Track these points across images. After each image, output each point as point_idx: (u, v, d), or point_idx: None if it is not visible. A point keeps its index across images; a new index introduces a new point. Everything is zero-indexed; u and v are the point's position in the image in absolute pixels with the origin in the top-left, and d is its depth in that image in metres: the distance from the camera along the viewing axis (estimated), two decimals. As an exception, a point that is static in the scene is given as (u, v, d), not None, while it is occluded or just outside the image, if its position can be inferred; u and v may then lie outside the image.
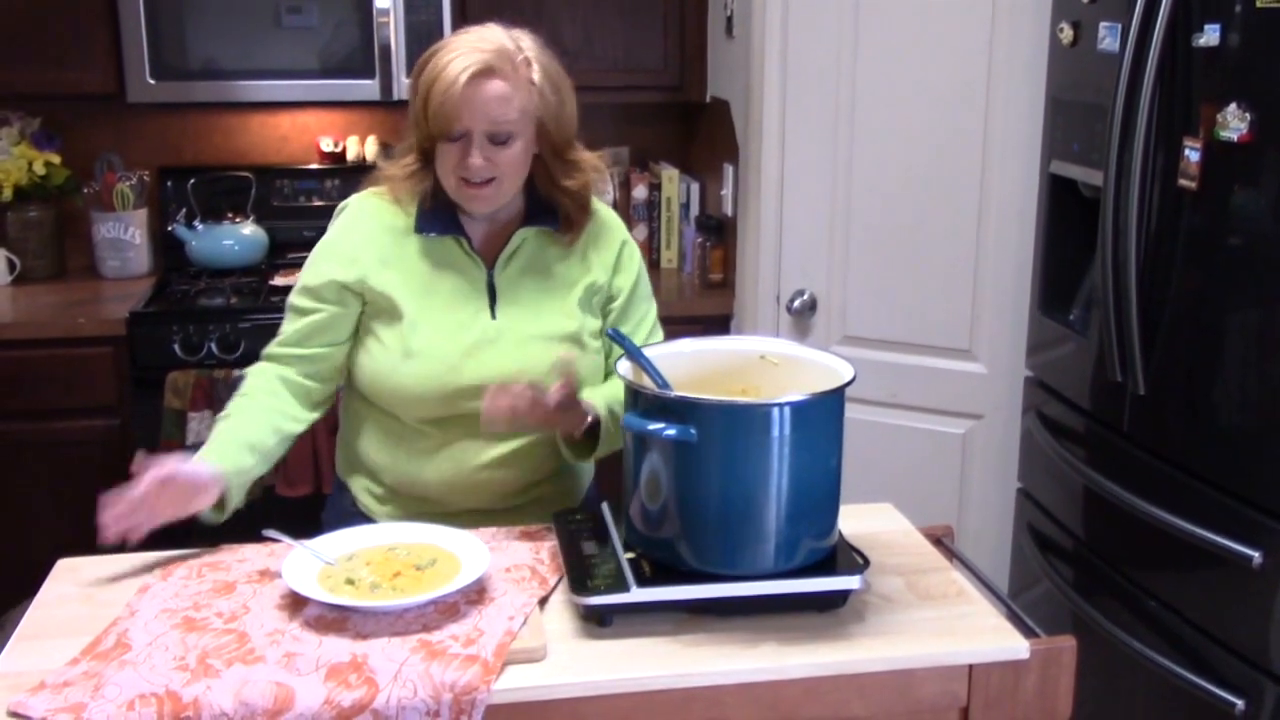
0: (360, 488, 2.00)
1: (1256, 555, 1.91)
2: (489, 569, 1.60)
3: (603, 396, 1.86)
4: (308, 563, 1.61)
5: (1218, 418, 2.02)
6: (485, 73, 1.77)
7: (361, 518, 1.96)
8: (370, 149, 3.63)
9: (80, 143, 3.51)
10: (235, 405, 1.86)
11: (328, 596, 1.53)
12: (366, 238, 1.90)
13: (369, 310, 1.90)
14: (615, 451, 1.89)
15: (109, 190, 3.46)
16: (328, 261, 1.90)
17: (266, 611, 1.55)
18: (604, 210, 2.01)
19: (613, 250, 1.98)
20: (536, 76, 1.82)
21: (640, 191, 3.67)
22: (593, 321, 1.95)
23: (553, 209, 1.93)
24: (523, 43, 1.83)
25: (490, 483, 1.92)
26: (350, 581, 1.57)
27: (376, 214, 1.92)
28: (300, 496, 3.00)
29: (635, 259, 2.01)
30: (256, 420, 1.85)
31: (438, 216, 1.89)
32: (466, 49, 1.78)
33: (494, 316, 1.89)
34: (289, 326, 1.92)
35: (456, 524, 1.72)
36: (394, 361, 1.86)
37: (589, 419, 1.82)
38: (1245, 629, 1.97)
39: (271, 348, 1.94)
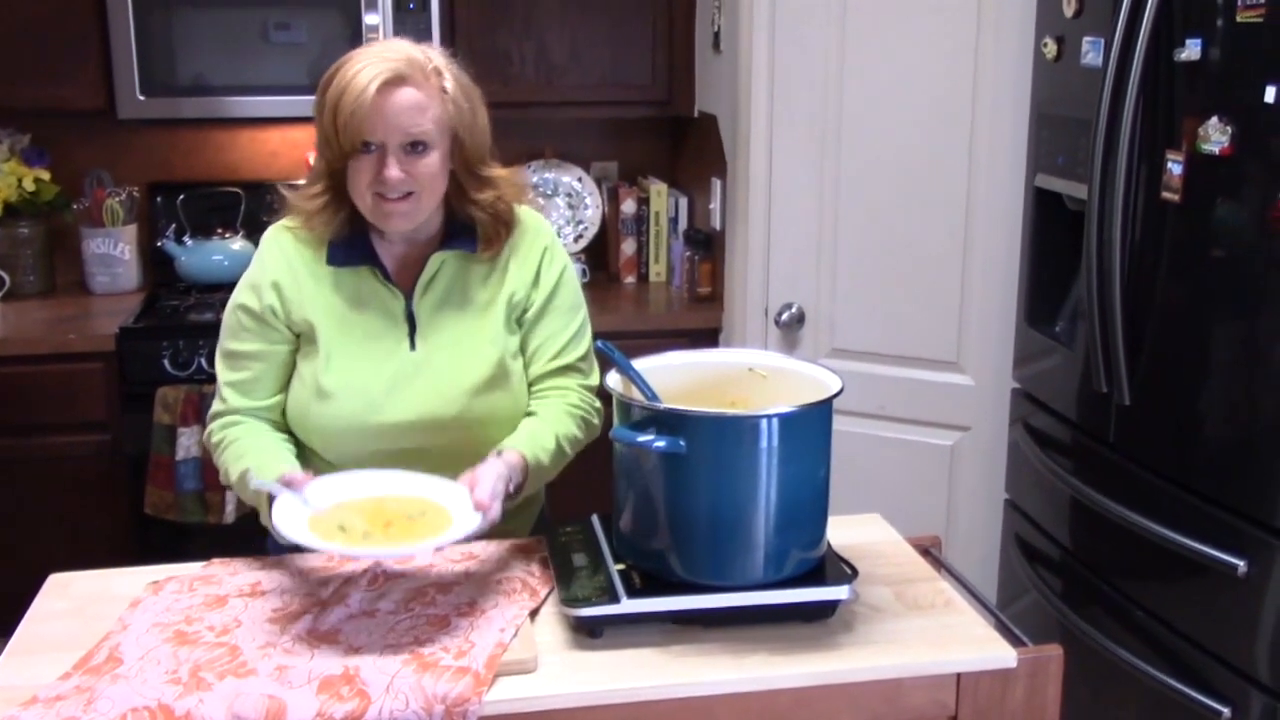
0: None
1: (1242, 564, 1.93)
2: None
3: (526, 440, 1.77)
4: (297, 510, 1.58)
5: (1203, 428, 2.03)
6: (396, 81, 1.70)
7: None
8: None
9: (70, 159, 3.52)
10: (238, 449, 1.79)
11: (320, 543, 1.52)
12: (284, 274, 1.82)
13: (300, 341, 1.84)
14: (570, 470, 1.86)
15: (99, 206, 3.47)
16: (249, 297, 1.83)
17: (258, 625, 1.55)
18: (529, 217, 1.92)
19: (533, 260, 1.88)
20: (449, 86, 1.75)
21: (629, 206, 3.68)
22: (515, 341, 1.88)
23: (471, 229, 1.84)
24: (431, 53, 1.77)
25: None
26: (342, 528, 1.55)
27: (294, 248, 1.83)
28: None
29: (555, 267, 1.90)
30: (266, 440, 1.80)
31: (350, 247, 1.81)
32: (374, 59, 1.71)
33: (413, 348, 1.82)
34: (231, 376, 1.84)
35: None
36: (308, 401, 1.81)
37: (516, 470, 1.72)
38: (1231, 637, 1.98)
39: (218, 407, 1.86)
